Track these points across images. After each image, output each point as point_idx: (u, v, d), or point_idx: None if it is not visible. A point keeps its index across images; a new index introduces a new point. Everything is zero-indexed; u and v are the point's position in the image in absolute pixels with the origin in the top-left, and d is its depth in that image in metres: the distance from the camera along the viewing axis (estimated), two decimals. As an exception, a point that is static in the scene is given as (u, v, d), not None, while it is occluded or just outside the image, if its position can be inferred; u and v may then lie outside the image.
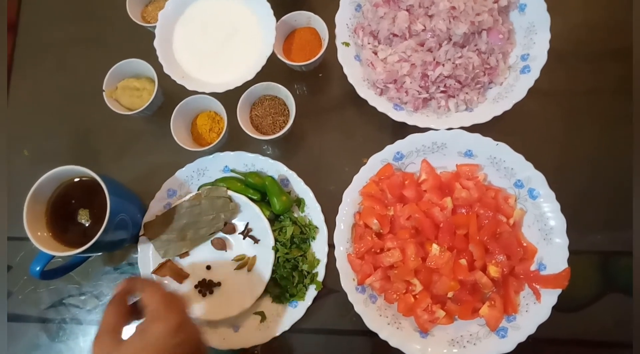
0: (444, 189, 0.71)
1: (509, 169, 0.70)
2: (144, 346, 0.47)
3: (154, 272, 0.72)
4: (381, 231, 0.69)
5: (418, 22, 0.71)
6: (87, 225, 0.65)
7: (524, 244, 0.68)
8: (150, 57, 0.74)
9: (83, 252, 0.61)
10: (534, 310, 0.66)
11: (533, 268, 0.67)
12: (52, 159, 0.80)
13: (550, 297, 0.65)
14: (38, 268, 0.64)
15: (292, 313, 0.70)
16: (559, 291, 0.65)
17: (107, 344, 0.48)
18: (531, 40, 0.73)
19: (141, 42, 0.78)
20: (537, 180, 0.68)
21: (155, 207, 0.74)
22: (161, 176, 0.75)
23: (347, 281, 0.69)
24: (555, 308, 0.65)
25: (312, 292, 0.70)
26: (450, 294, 0.66)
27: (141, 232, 0.73)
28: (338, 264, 0.69)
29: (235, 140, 0.77)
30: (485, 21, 0.70)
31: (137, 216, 0.72)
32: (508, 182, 0.71)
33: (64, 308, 0.76)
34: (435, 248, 0.66)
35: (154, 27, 0.74)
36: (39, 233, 0.63)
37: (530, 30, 0.73)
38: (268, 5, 0.72)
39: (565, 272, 0.65)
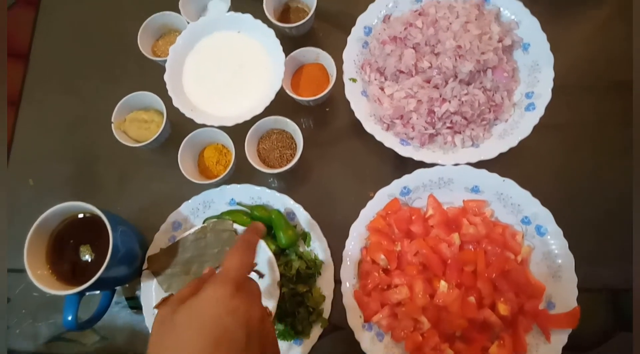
0: (451, 224, 0.70)
1: (515, 205, 0.70)
2: (191, 312, 0.43)
3: (157, 307, 0.71)
4: (388, 266, 0.69)
5: (424, 59, 0.73)
6: (88, 262, 0.64)
7: (532, 282, 0.67)
8: (159, 89, 0.74)
9: (86, 289, 0.60)
10: (544, 350, 0.64)
11: (542, 306, 0.67)
12: (57, 189, 0.81)
13: (560, 336, 0.64)
14: (70, 318, 0.62)
15: (297, 351, 0.68)
16: (569, 330, 0.64)
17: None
18: (535, 78, 0.74)
19: (151, 75, 0.79)
20: (545, 217, 0.68)
21: (160, 240, 0.73)
22: (167, 207, 0.75)
23: (354, 318, 0.67)
24: (565, 348, 0.64)
25: (317, 329, 0.69)
26: (458, 333, 0.65)
27: (145, 266, 0.72)
28: (344, 301, 0.68)
29: (241, 172, 0.77)
30: (491, 60, 0.71)
31: (139, 250, 0.71)
32: (515, 218, 0.70)
33: (63, 343, 0.74)
34: (443, 285, 0.66)
35: (164, 61, 0.75)
36: (39, 271, 0.61)
37: (534, 68, 0.74)
38: (277, 41, 0.74)
39: (574, 311, 0.64)
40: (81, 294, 0.63)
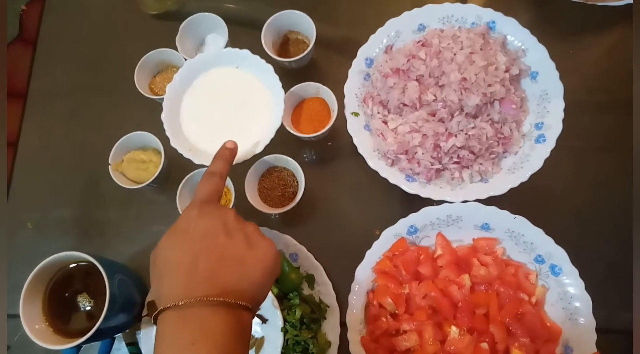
0: (461, 264, 0.68)
1: (528, 243, 0.67)
2: (170, 231, 0.48)
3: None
4: (396, 311, 0.66)
5: (429, 92, 0.70)
6: (87, 311, 0.63)
7: (548, 325, 0.64)
8: (157, 127, 0.72)
9: (85, 342, 0.58)
10: (563, 399, 0.61)
11: (558, 350, 0.63)
12: (56, 232, 0.80)
13: (579, 384, 0.61)
14: None
15: (303, 400, 0.66)
16: (588, 377, 0.61)
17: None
18: (544, 109, 0.71)
19: (149, 113, 0.77)
20: (559, 256, 0.65)
21: (160, 284, 0.71)
22: (166, 249, 0.73)
23: (361, 365, 0.65)
24: (585, 397, 0.61)
25: (323, 377, 0.66)
26: (471, 381, 0.62)
27: (144, 313, 0.69)
28: (351, 348, 0.65)
29: (242, 211, 0.73)
30: (498, 92, 0.68)
31: (139, 297, 0.69)
32: (528, 257, 0.67)
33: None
34: (454, 331, 0.63)
35: (162, 98, 0.73)
36: (36, 326, 0.59)
37: (543, 98, 0.71)
38: (277, 77, 0.71)
39: (594, 357, 0.61)
40: (79, 346, 0.61)
